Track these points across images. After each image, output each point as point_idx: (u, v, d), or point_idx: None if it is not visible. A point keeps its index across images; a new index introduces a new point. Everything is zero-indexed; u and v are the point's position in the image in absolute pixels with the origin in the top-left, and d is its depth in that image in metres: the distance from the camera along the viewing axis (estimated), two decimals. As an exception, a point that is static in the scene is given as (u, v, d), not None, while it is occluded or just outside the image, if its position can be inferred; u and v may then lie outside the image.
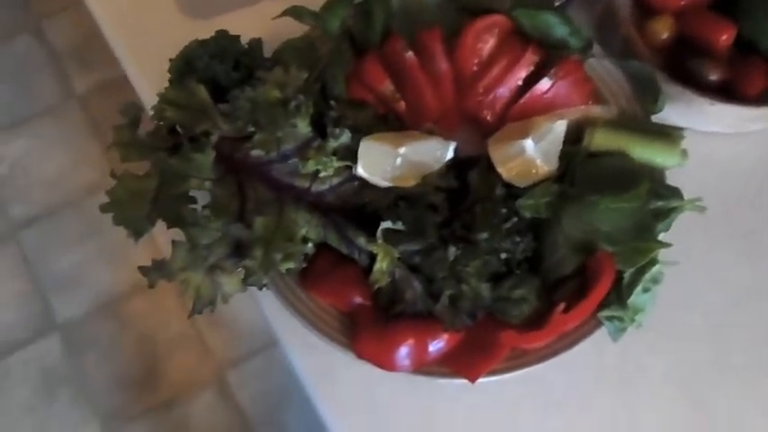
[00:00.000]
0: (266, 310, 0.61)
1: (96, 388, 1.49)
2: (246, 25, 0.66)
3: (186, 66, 0.59)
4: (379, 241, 0.55)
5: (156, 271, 0.52)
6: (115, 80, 1.79)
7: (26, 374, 1.51)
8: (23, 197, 1.71)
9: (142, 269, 0.53)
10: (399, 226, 0.55)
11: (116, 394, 1.49)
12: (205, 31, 0.64)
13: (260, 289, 0.55)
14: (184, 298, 1.61)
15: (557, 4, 0.70)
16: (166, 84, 0.63)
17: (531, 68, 0.63)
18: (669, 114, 0.63)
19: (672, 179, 0.60)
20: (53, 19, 1.92)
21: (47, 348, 1.54)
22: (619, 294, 0.55)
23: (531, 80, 0.63)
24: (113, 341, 1.57)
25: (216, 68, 0.58)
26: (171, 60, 0.62)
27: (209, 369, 1.54)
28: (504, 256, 0.55)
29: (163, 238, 0.56)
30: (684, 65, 0.65)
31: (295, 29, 0.66)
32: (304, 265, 0.57)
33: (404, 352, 0.54)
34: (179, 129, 0.57)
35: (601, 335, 0.56)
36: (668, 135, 0.60)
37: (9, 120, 1.79)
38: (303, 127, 0.56)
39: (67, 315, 1.58)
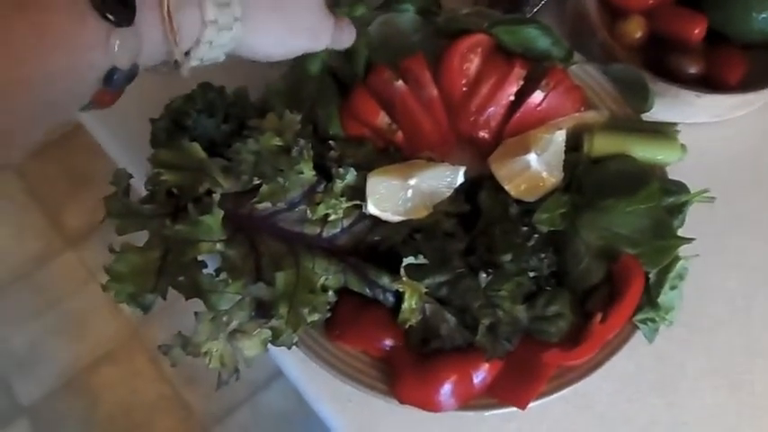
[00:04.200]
0: (289, 370, 0.58)
1: (74, 470, 1.40)
2: (215, 73, 0.63)
3: (173, 124, 0.55)
4: (404, 278, 0.53)
5: (180, 348, 0.48)
6: (52, 144, 1.71)
7: (-1, 468, 1.41)
8: (-31, 276, 1.61)
9: (163, 348, 0.49)
10: (421, 260, 0.54)
11: (96, 474, 1.40)
12: (173, 84, 0.61)
13: (289, 348, 0.52)
14: (156, 361, 1.55)
15: (528, 15, 0.71)
16: (145, 144, 0.59)
17: (521, 83, 0.63)
18: (655, 111, 0.64)
19: (670, 174, 0.61)
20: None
21: (17, 435, 1.45)
22: (648, 296, 0.55)
23: (521, 94, 0.63)
24: (86, 416, 1.48)
25: (205, 123, 0.55)
26: (152, 120, 0.58)
27: (193, 429, 1.47)
28: (532, 274, 0.54)
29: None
30: (662, 61, 0.67)
31: (269, 72, 0.64)
32: (328, 315, 0.54)
33: (447, 389, 0.52)
34: (175, 191, 0.54)
35: (632, 339, 0.56)
36: (664, 132, 0.61)
37: (-55, 200, 1.69)
38: (308, 172, 0.54)
39: (33, 396, 1.49)
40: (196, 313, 0.48)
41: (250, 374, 0.57)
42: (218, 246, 0.51)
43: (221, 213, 0.50)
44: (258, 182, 0.52)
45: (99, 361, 1.54)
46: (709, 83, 0.65)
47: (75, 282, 1.59)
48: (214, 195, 0.52)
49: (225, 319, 0.50)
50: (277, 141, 0.53)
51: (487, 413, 0.54)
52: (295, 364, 0.57)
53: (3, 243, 1.67)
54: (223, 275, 0.50)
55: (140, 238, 0.54)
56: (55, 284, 1.63)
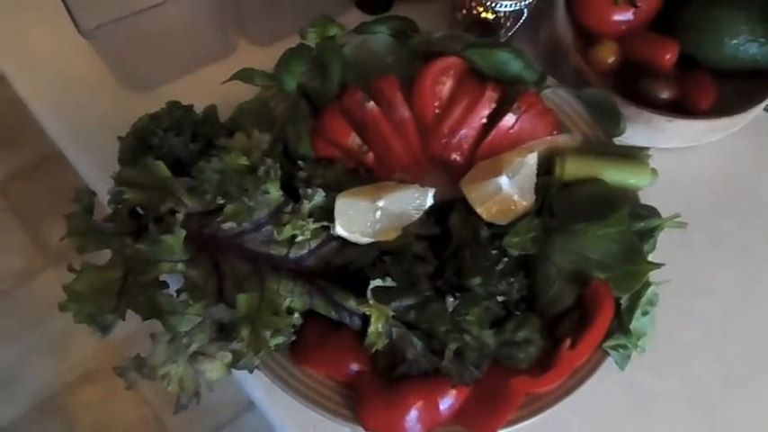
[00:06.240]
0: (253, 393, 0.56)
1: (51, 496, 1.36)
2: (189, 93, 0.63)
3: (139, 142, 0.55)
4: (371, 301, 0.52)
5: (135, 370, 0.47)
6: (34, 162, 1.70)
7: (-26, 493, 1.37)
8: (-51, 294, 1.58)
9: (118, 370, 0.47)
10: (389, 282, 0.53)
11: (74, 500, 1.37)
12: (148, 103, 0.60)
13: (251, 371, 0.51)
14: (137, 382, 1.52)
15: (502, 39, 0.71)
16: (114, 163, 0.59)
17: (493, 106, 0.63)
18: (628, 136, 0.64)
19: (642, 199, 0.60)
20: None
21: (-7, 457, 1.41)
22: (620, 321, 0.54)
23: (493, 117, 0.63)
24: (64, 437, 1.45)
25: (173, 142, 0.55)
26: (120, 138, 0.57)
27: (174, 453, 1.44)
28: (500, 298, 0.54)
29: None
30: (634, 86, 0.67)
31: (241, 91, 0.64)
32: (293, 338, 0.53)
33: (413, 417, 0.51)
34: (140, 210, 0.53)
35: (603, 366, 0.55)
36: (635, 156, 0.61)
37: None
38: (274, 192, 0.53)
39: (10, 416, 1.45)
40: (152, 335, 0.47)
41: (234, 396, 0.56)
42: (180, 266, 0.50)
43: (183, 233, 0.50)
44: (222, 201, 0.51)
45: (79, 381, 1.51)
46: (681, 108, 0.65)
47: (56, 300, 1.56)
48: (177, 215, 0.51)
49: (185, 341, 0.49)
50: (243, 161, 0.52)
51: (455, 441, 0.53)
52: (259, 387, 0.56)
53: (-16, 262, 1.65)
54: (184, 296, 0.49)
55: (107, 257, 0.53)
56: (36, 303, 1.61)
